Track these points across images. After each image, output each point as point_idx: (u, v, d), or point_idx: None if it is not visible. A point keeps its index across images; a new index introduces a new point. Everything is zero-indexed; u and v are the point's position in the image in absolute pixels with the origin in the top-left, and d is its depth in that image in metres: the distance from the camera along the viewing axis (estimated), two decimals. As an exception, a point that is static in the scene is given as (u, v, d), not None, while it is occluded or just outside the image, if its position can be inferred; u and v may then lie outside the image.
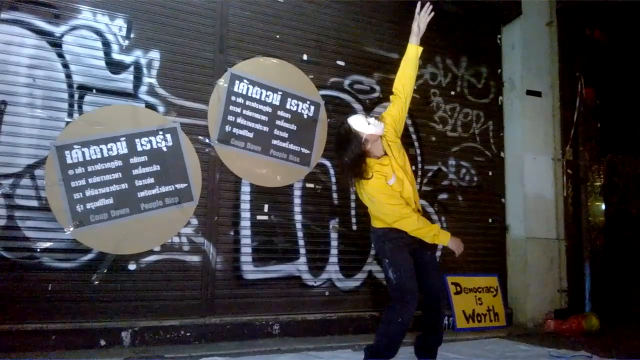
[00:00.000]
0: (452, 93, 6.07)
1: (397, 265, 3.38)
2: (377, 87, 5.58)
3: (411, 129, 5.75)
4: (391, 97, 3.72)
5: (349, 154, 3.39)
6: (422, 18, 3.60)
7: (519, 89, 6.25)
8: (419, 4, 3.55)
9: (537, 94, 6.29)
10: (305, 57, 5.22)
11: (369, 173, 3.37)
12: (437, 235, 3.34)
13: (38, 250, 4.03)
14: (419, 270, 3.49)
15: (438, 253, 5.69)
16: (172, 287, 4.44)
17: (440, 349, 4.14)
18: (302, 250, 5.02)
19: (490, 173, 6.22)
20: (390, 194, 3.37)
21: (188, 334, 4.38)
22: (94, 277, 4.18)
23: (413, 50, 3.63)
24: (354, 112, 3.47)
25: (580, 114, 6.52)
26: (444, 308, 3.50)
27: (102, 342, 4.09)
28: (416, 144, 5.77)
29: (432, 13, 3.63)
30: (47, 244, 4.06)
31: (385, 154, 3.48)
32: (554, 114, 6.39)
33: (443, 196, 5.86)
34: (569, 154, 6.42)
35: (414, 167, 5.64)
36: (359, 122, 3.38)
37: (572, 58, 6.56)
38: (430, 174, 5.81)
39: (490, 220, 6.15)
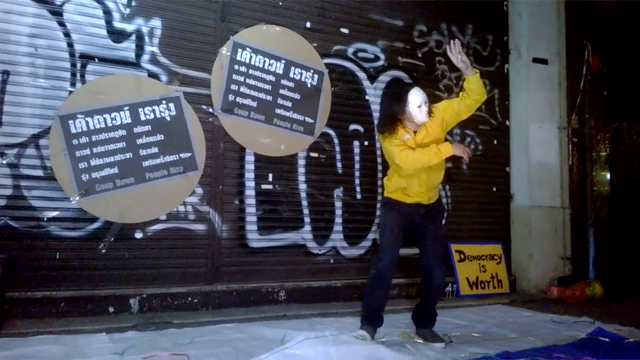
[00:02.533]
0: (457, 61, 5.99)
1: (382, 223, 3.62)
2: (382, 55, 5.53)
3: (416, 98, 5.69)
4: (461, 93, 3.53)
5: (387, 109, 3.49)
6: (456, 55, 3.36)
7: (525, 56, 6.18)
8: (447, 47, 3.43)
9: (544, 61, 6.22)
10: (308, 24, 5.16)
11: (393, 135, 3.41)
12: (438, 151, 3.33)
13: (45, 219, 4.06)
14: (417, 239, 3.60)
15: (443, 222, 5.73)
16: (178, 255, 4.48)
17: (443, 315, 4.20)
18: (307, 219, 5.05)
19: (495, 142, 6.20)
20: (398, 142, 3.41)
21: (195, 301, 4.44)
22: (101, 245, 4.22)
23: (475, 79, 3.38)
24: (402, 83, 3.41)
25: (587, 82, 6.46)
26: (438, 278, 3.50)
27: (111, 309, 4.15)
28: (421, 112, 5.72)
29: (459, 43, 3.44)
30: (54, 213, 4.09)
31: (415, 132, 3.49)
32: (560, 82, 6.33)
33: (447, 165, 5.81)
34: (574, 122, 6.37)
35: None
36: (413, 96, 3.36)
37: (579, 25, 6.47)
38: (434, 142, 5.78)
39: (494, 189, 6.15)
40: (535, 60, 6.16)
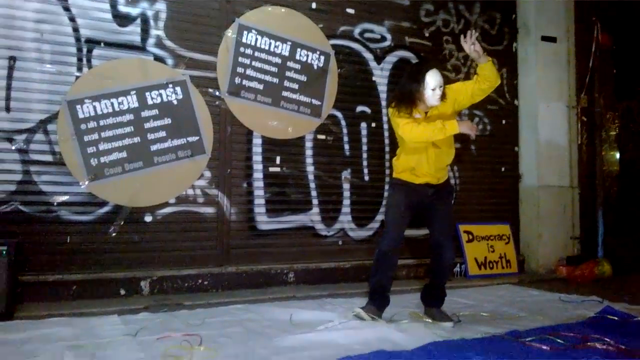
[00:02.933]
0: (465, 40, 5.92)
1: (389, 203, 3.65)
2: (388, 36, 5.48)
3: (423, 78, 5.66)
4: (475, 76, 3.46)
5: (405, 86, 3.42)
6: (470, 45, 3.29)
7: (533, 35, 6.11)
8: (462, 37, 3.37)
9: (552, 39, 6.14)
10: (314, 5, 5.11)
11: (405, 112, 3.38)
12: (442, 127, 3.27)
13: (55, 203, 4.10)
14: (426, 219, 3.60)
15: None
16: (188, 238, 4.52)
17: (451, 294, 4.22)
18: (315, 201, 5.06)
19: (503, 121, 6.15)
20: (406, 116, 3.39)
21: (205, 283, 4.48)
22: (111, 229, 4.26)
23: (488, 66, 3.33)
24: (423, 63, 3.35)
25: (596, 60, 6.39)
26: (448, 257, 3.51)
27: (122, 292, 4.21)
28: (428, 93, 5.68)
29: (476, 34, 3.43)
30: (64, 198, 4.12)
31: (426, 113, 3.45)
32: (569, 60, 6.26)
33: (455, 145, 5.78)
34: (583, 101, 6.32)
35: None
36: (430, 78, 3.30)
37: (588, 3, 6.36)
38: (442, 123, 5.75)
39: (503, 169, 6.13)
40: (544, 38, 6.09)
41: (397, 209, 3.51)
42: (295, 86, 4.96)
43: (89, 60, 4.26)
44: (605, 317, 3.51)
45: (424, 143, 3.40)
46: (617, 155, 6.88)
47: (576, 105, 6.24)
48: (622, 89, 6.88)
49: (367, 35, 5.38)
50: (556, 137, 6.11)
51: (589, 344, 2.88)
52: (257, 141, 4.85)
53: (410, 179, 3.51)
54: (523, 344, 2.91)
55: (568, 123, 6.20)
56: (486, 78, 3.35)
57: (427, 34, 5.71)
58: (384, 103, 5.36)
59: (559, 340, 2.95)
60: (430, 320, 3.53)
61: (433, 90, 3.31)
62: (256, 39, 4.80)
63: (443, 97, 3.37)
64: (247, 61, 4.76)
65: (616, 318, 3.48)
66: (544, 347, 2.83)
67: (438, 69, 3.37)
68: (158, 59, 4.47)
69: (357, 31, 5.33)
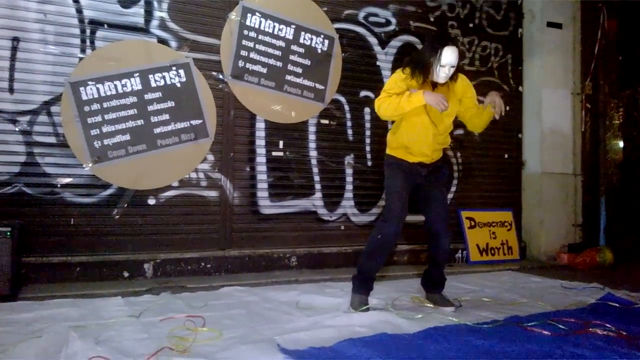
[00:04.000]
0: (470, 25, 5.90)
1: (389, 187, 3.50)
2: (393, 20, 5.44)
3: (427, 63, 5.62)
4: (479, 108, 3.48)
5: (423, 54, 3.32)
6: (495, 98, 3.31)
7: (539, 21, 6.06)
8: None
9: (558, 25, 6.10)
10: (318, -12, 5.07)
11: (414, 82, 3.31)
12: (408, 99, 3.19)
13: (59, 185, 4.11)
14: (421, 204, 3.56)
15: (453, 189, 5.74)
16: (191, 221, 4.53)
17: (452, 280, 4.24)
18: (318, 186, 5.06)
19: (507, 108, 6.06)
20: (394, 87, 3.32)
21: (208, 266, 4.51)
22: (114, 211, 4.27)
23: (487, 117, 3.41)
24: (445, 37, 3.30)
25: (602, 47, 6.33)
26: (445, 243, 3.48)
27: (126, 274, 4.23)
28: (432, 78, 5.66)
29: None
30: (67, 180, 4.13)
31: (435, 86, 3.34)
32: (574, 46, 6.22)
33: (459, 132, 5.78)
34: (588, 88, 6.28)
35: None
36: (445, 54, 3.19)
37: (594, -12, 6.31)
38: (446, 109, 5.73)
39: (506, 156, 6.12)
40: (550, 24, 6.04)
41: (399, 195, 3.42)
42: (299, 70, 4.94)
43: (92, 42, 4.24)
44: (606, 303, 3.52)
45: (396, 117, 3.35)
46: (621, 144, 6.85)
47: (580, 92, 6.21)
48: (627, 76, 6.84)
49: (371, 19, 5.34)
50: (560, 124, 6.09)
51: (590, 329, 2.90)
52: (260, 125, 4.85)
53: (405, 157, 3.44)
54: (524, 329, 2.93)
55: (572, 110, 6.18)
56: (477, 124, 3.51)
57: (432, 19, 5.66)
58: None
59: (560, 326, 2.97)
60: (431, 305, 3.55)
61: (442, 66, 3.22)
62: (260, 22, 4.77)
63: (450, 78, 3.30)
64: (251, 44, 4.74)
65: (617, 305, 3.49)
66: (545, 332, 2.85)
67: (457, 49, 3.25)
68: (161, 41, 4.45)
69: (361, 15, 5.29)
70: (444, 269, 3.62)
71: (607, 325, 2.95)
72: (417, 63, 3.32)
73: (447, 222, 3.54)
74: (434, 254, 3.60)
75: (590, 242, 5.98)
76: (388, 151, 3.56)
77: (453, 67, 3.25)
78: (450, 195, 5.72)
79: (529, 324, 2.99)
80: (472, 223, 5.69)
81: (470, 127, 3.64)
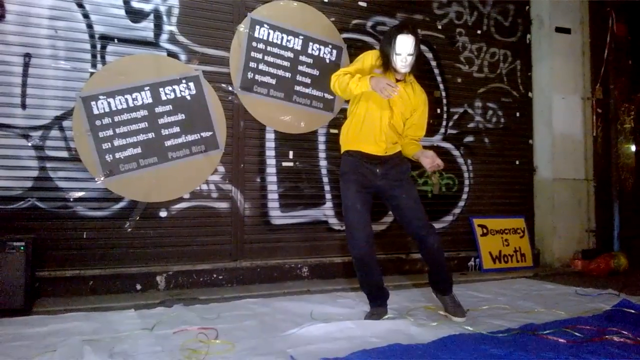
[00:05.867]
0: (479, 32, 5.89)
1: (344, 202, 3.37)
2: (400, 29, 5.44)
3: (436, 71, 5.64)
4: (409, 140, 3.51)
5: (381, 45, 3.36)
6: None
7: (547, 26, 6.05)
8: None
9: (567, 31, 6.07)
10: (326, -2, 5.10)
11: (377, 68, 3.32)
12: (358, 82, 3.18)
13: (71, 199, 4.14)
14: (393, 212, 3.54)
15: (464, 196, 5.71)
16: (203, 233, 4.54)
17: (466, 288, 4.22)
18: (328, 196, 5.06)
19: (517, 114, 6.11)
20: (353, 67, 3.37)
21: (220, 277, 4.51)
22: (126, 224, 4.29)
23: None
24: (399, 26, 3.30)
25: (611, 51, 6.30)
26: (432, 241, 3.35)
27: (138, 286, 4.24)
28: (441, 86, 5.67)
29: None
30: (80, 194, 4.16)
31: (398, 80, 3.33)
32: (583, 51, 6.19)
33: (469, 139, 5.79)
34: (598, 92, 6.24)
35: (438, 110, 5.58)
36: (398, 42, 3.18)
37: (602, -8, 6.29)
38: (456, 116, 5.73)
39: (517, 162, 6.08)
40: (558, 29, 6.03)
41: (353, 208, 3.30)
42: (308, 80, 4.96)
43: (102, 57, 4.28)
44: (622, 310, 3.46)
45: (345, 97, 3.42)
46: (633, 148, 6.80)
47: (591, 97, 6.17)
48: (637, 80, 6.80)
49: (379, 28, 5.35)
50: (571, 129, 6.05)
51: (606, 337, 2.86)
52: (270, 136, 4.86)
53: (358, 147, 3.37)
54: (540, 337, 2.89)
55: (583, 115, 6.14)
56: (408, 150, 3.47)
57: (439, 27, 5.67)
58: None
59: (575, 334, 2.94)
60: (444, 314, 3.51)
61: (398, 54, 3.20)
62: (268, 33, 4.80)
63: (408, 67, 3.26)
64: (260, 56, 4.77)
65: (633, 311, 3.43)
66: (561, 340, 2.82)
67: (414, 37, 3.21)
68: (171, 54, 4.49)
69: (369, 24, 5.31)
70: (444, 268, 3.51)
71: (624, 332, 2.91)
72: (380, 53, 3.34)
73: (425, 219, 3.41)
74: (425, 255, 3.51)
75: (604, 248, 5.92)
76: (343, 148, 3.48)
77: (410, 54, 3.21)
78: (461, 203, 5.69)
79: (545, 332, 2.96)
80: (485, 230, 5.66)
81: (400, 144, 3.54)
